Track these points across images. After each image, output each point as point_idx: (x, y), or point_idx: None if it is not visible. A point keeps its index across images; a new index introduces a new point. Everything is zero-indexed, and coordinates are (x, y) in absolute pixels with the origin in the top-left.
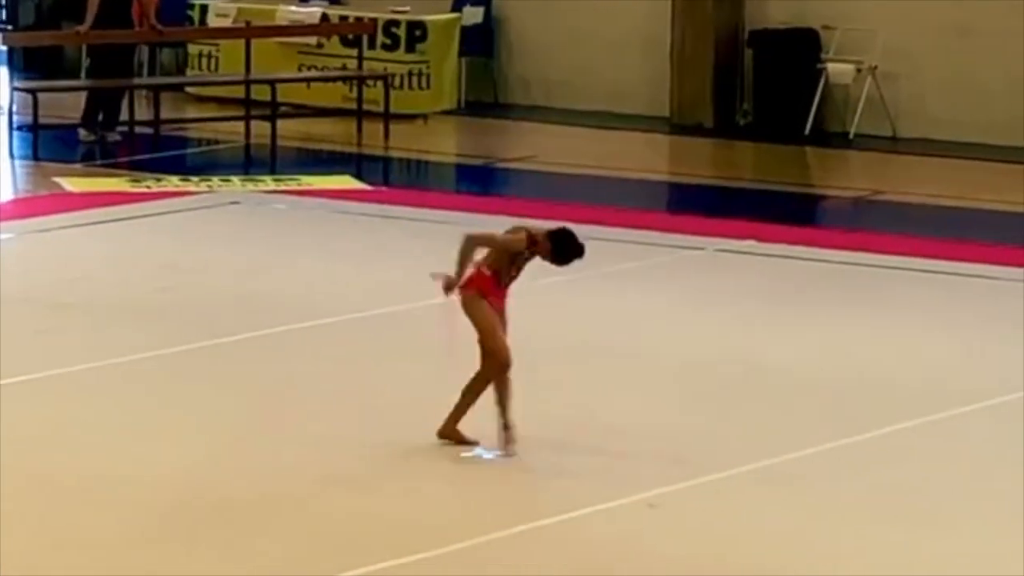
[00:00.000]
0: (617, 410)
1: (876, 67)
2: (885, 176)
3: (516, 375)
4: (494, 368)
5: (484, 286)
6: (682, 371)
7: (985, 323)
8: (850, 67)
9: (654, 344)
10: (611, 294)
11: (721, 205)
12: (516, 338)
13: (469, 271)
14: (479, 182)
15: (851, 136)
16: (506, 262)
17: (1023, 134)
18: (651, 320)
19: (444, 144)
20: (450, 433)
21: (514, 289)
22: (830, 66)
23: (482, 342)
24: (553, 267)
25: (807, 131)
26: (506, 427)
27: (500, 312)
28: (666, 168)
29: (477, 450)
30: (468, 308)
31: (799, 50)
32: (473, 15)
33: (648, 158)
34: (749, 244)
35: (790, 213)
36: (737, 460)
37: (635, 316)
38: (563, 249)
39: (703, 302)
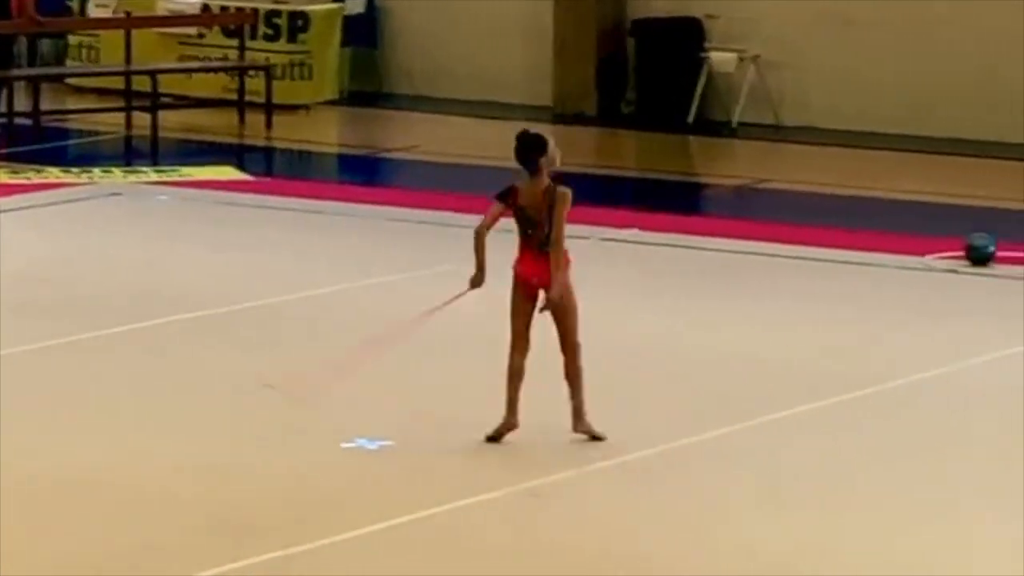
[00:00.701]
0: (499, 401)
1: (759, 56)
2: (768, 164)
3: (396, 367)
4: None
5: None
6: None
7: (871, 310)
8: (733, 56)
9: (540, 334)
10: (493, 284)
11: (604, 194)
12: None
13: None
14: (362, 172)
15: (734, 125)
16: (518, 226)
17: (905, 122)
18: None
19: (327, 134)
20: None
21: (385, 281)
22: (713, 55)
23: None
24: (434, 257)
25: (690, 120)
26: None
27: (533, 281)
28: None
29: (360, 441)
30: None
31: (682, 39)
32: (355, 5)
33: None
34: (632, 233)
35: (673, 202)
36: (621, 449)
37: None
38: (522, 156)
39: (586, 291)
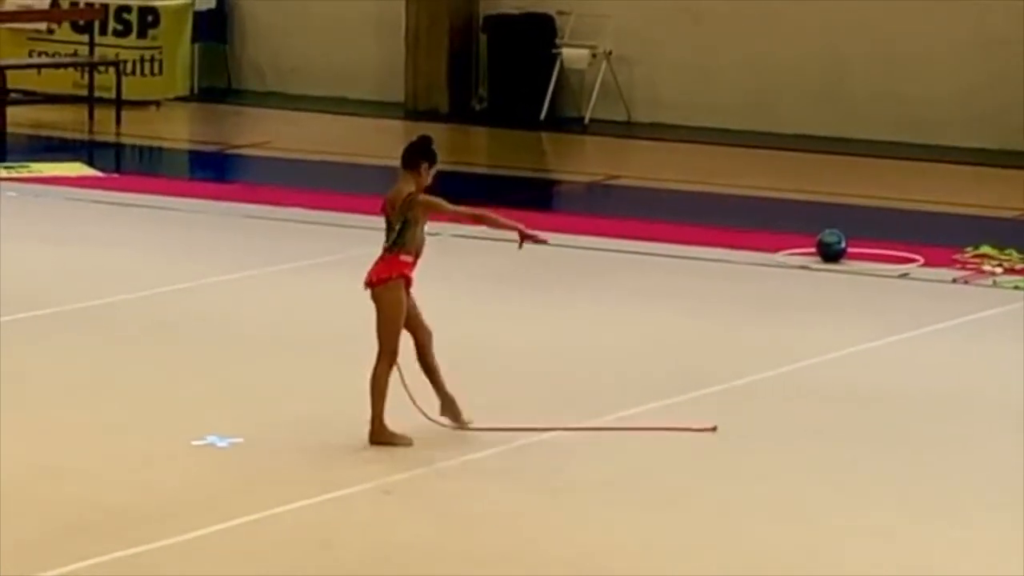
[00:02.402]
0: (348, 398)
1: (611, 52)
2: (620, 161)
3: (230, 367)
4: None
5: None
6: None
7: (723, 307)
8: (585, 52)
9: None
10: (344, 281)
11: (456, 190)
12: (233, 330)
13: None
14: (213, 168)
15: (586, 121)
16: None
17: (755, 119)
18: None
19: (177, 130)
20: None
21: (235, 278)
22: (565, 51)
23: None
24: (284, 254)
25: (542, 116)
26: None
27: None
28: (401, 154)
29: (210, 438)
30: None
31: (534, 35)
32: (206, 1)
33: (383, 144)
34: (484, 230)
35: (526, 198)
36: (470, 446)
37: (368, 302)
38: (409, 160)
39: (437, 287)
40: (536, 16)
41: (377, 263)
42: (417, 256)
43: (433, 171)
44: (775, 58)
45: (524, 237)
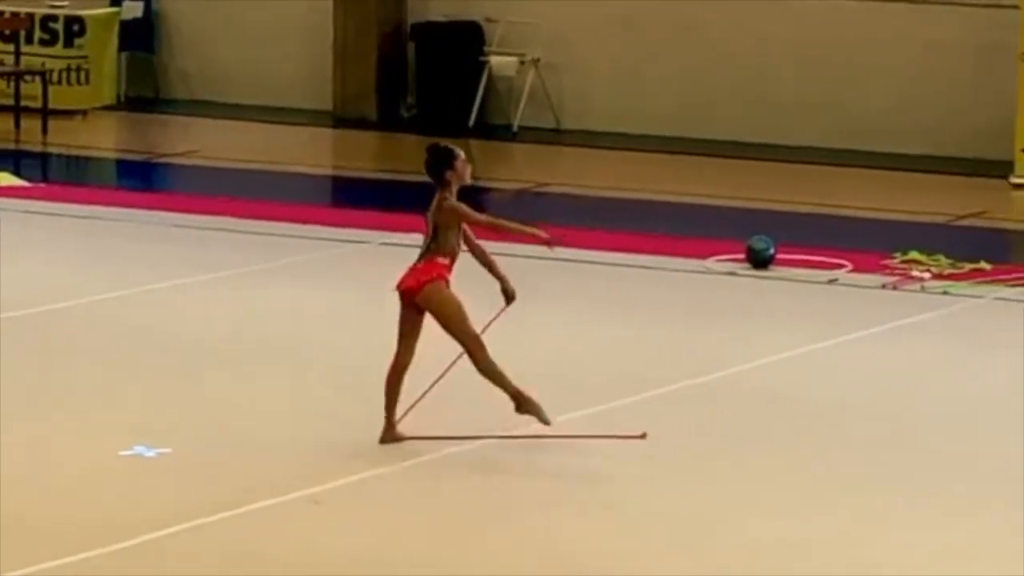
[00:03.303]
0: (278, 409)
1: (539, 59)
2: (549, 168)
3: (159, 376)
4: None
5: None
6: (344, 364)
7: (653, 313)
8: (513, 60)
9: (319, 338)
10: (275, 288)
11: (386, 198)
12: (162, 339)
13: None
14: (140, 178)
15: (515, 128)
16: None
17: (684, 125)
18: (315, 314)
19: (104, 140)
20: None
21: (163, 287)
22: (493, 59)
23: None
24: (213, 263)
25: (471, 124)
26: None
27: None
28: (330, 162)
29: (138, 448)
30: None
31: (462, 43)
32: (132, 9)
33: (312, 152)
34: (414, 237)
35: None
36: (401, 455)
37: (299, 311)
38: (446, 164)
39: (368, 296)
40: (464, 24)
41: (411, 270)
42: (452, 261)
43: (459, 167)
44: (706, 65)
45: (543, 241)
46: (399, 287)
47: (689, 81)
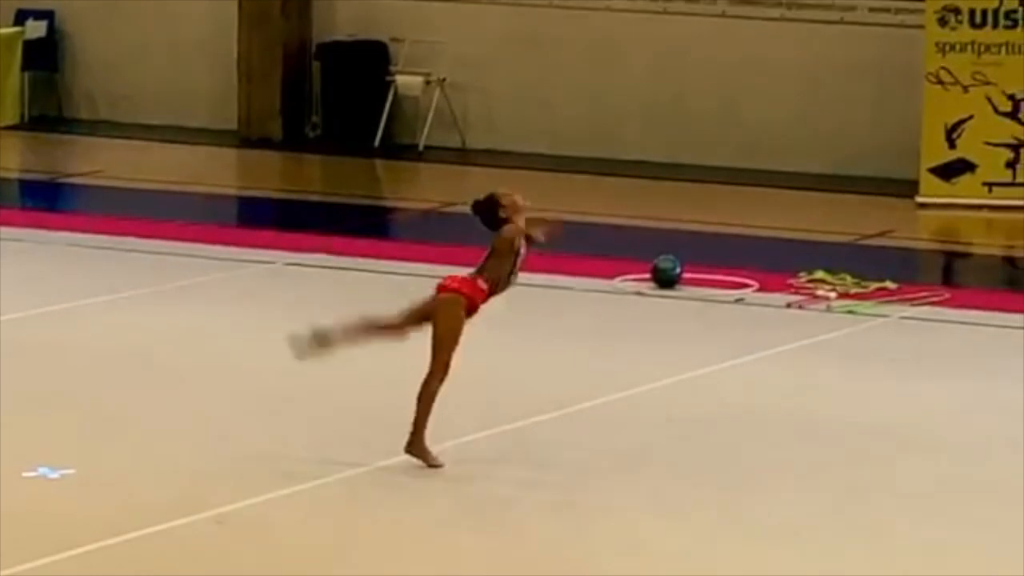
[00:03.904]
0: (183, 429)
1: (445, 79)
2: (455, 187)
3: (62, 397)
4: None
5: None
6: (249, 385)
7: (559, 333)
8: (419, 79)
9: (223, 359)
10: (179, 309)
11: (291, 218)
12: (67, 360)
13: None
14: (44, 198)
15: (421, 148)
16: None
17: (592, 144)
18: (219, 335)
19: (7, 160)
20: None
21: (67, 308)
22: (399, 78)
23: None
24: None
25: (377, 143)
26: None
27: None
28: (235, 182)
29: (42, 469)
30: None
31: (367, 62)
32: (36, 29)
33: (217, 172)
34: (319, 257)
35: (361, 226)
36: (307, 474)
37: (203, 331)
38: (495, 210)
39: (272, 316)
40: (369, 43)
41: (458, 277)
42: (493, 290)
43: (506, 200)
44: (612, 84)
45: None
46: (438, 287)
47: (595, 100)
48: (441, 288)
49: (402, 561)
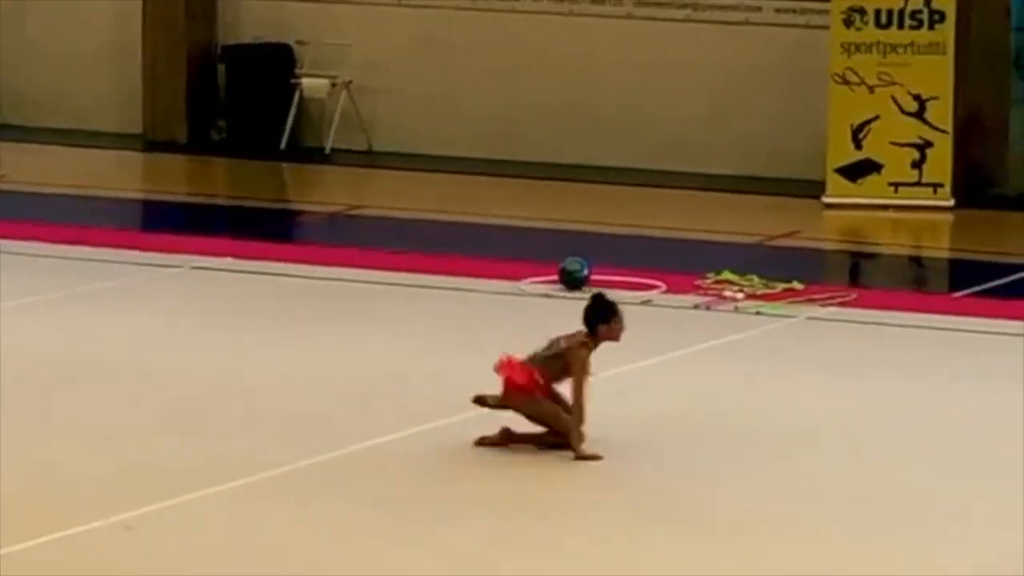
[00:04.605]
0: (88, 434)
1: (351, 81)
2: (362, 190)
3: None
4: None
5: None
6: (157, 390)
7: (466, 335)
8: (325, 82)
9: (130, 364)
10: (84, 314)
11: (197, 222)
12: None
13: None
14: None
15: (327, 151)
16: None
17: (500, 147)
18: (125, 339)
19: None
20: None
21: None
22: (305, 81)
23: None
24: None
25: (283, 146)
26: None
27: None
28: (140, 186)
29: None
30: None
31: (273, 65)
32: None
33: (121, 176)
34: (226, 261)
35: (267, 229)
36: (217, 478)
37: (106, 336)
38: (601, 317)
39: (179, 320)
40: (275, 46)
41: (526, 366)
42: (548, 384)
43: (615, 329)
44: (520, 86)
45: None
46: (510, 377)
47: (501, 103)
48: (513, 385)
49: (313, 566)
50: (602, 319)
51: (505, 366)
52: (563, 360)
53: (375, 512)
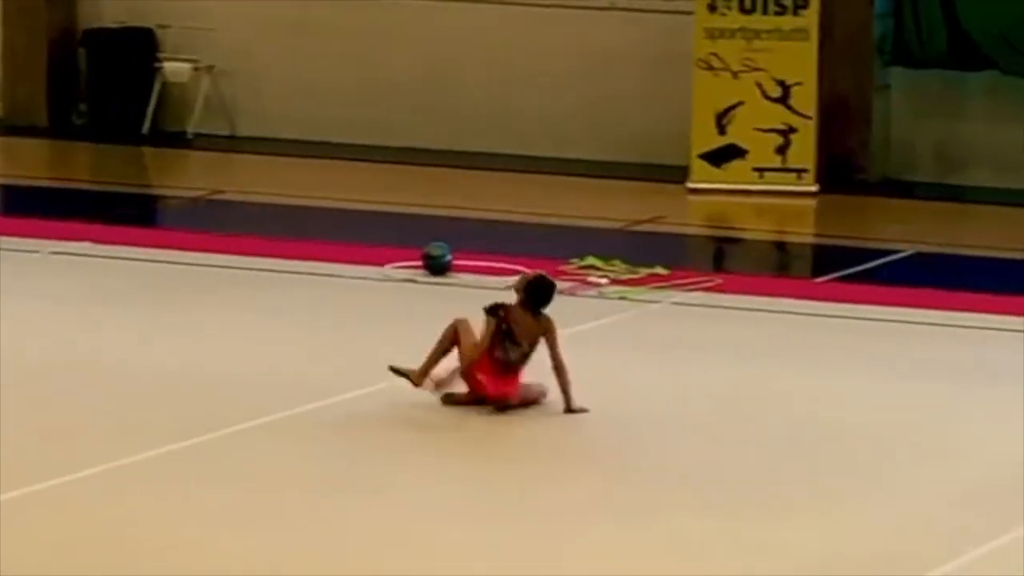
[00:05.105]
0: None
1: (213, 66)
2: (224, 175)
3: None
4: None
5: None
6: (17, 377)
7: (330, 321)
8: (187, 66)
9: None
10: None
11: (56, 207)
12: None
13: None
14: None
15: (190, 135)
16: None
17: (364, 132)
18: None
19: None
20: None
21: None
22: (167, 65)
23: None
24: None
25: (145, 131)
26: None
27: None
28: (0, 171)
29: None
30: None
31: (135, 49)
32: None
33: None
34: (85, 246)
35: (128, 214)
36: (82, 463)
37: None
38: (538, 297)
39: (38, 307)
40: (137, 30)
41: (499, 382)
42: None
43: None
44: (384, 72)
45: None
46: (498, 396)
47: (365, 88)
48: (494, 397)
49: (168, 555)
50: (546, 304)
51: (494, 387)
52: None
53: (243, 498)
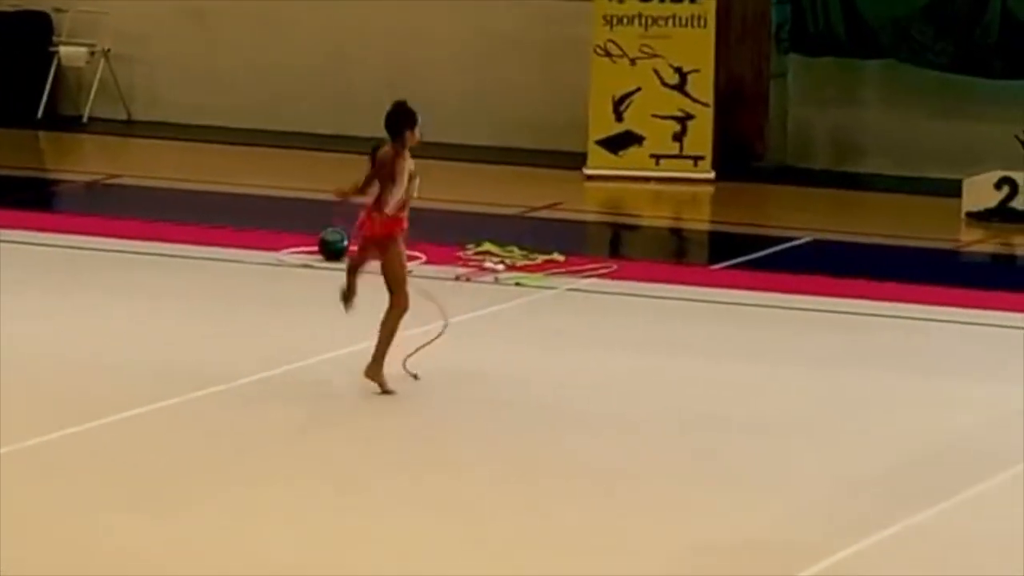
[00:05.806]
0: None
1: (109, 50)
2: (119, 160)
3: None
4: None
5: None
6: None
7: (226, 306)
8: (83, 50)
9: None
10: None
11: None
12: None
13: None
14: None
15: (85, 120)
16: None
17: (257, 117)
18: None
19: None
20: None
21: None
22: (62, 49)
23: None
24: None
25: (40, 114)
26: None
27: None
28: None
29: None
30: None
31: (30, 33)
32: None
33: None
34: None
35: (23, 198)
36: None
37: None
38: (388, 125)
39: None
40: (32, 13)
41: (375, 217)
42: (406, 211)
43: (417, 132)
44: (280, 58)
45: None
46: (366, 235)
47: (261, 73)
48: (378, 235)
49: (75, 541)
50: (410, 124)
51: (366, 225)
52: (399, 180)
53: (125, 485)
